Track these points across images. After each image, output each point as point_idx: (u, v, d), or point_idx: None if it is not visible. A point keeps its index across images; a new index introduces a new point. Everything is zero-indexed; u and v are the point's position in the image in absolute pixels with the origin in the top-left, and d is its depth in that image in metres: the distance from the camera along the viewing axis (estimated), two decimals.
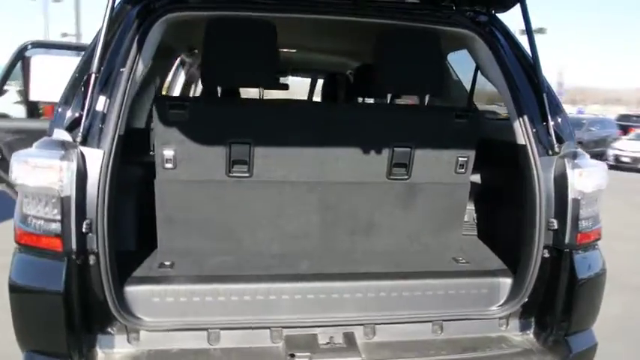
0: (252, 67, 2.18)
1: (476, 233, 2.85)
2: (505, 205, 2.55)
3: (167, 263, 2.26)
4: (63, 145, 1.84)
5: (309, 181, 2.40)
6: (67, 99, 1.98)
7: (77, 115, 1.93)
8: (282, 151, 2.34)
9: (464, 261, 2.46)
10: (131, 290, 2.03)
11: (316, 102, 2.44)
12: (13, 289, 1.87)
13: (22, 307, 1.89)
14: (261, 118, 2.32)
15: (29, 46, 3.69)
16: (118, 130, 1.92)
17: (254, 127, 2.30)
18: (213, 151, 2.29)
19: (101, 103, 1.93)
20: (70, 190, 1.80)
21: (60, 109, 1.97)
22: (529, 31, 2.22)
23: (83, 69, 2.03)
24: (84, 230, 1.83)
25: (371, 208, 2.49)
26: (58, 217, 1.81)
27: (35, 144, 1.93)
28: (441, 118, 2.44)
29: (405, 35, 2.32)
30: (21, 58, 3.64)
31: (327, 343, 2.06)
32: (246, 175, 2.34)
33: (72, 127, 1.92)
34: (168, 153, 2.26)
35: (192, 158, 2.28)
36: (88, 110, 1.89)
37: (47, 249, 1.83)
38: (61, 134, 1.91)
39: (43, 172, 1.80)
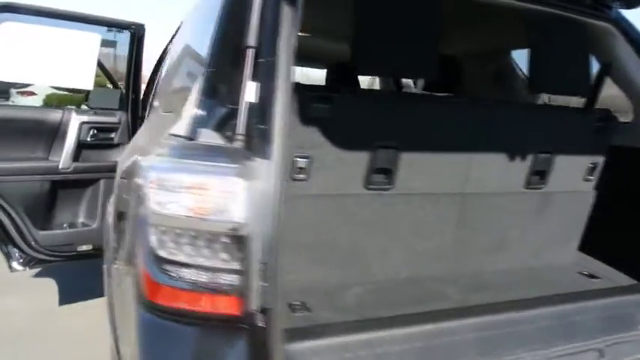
0: (418, 53, 1.73)
1: None
2: (630, 214, 2.38)
3: (296, 303, 1.73)
4: (229, 154, 1.25)
5: (451, 193, 2.01)
6: (213, 86, 1.37)
7: (228, 109, 1.34)
8: (427, 157, 1.92)
9: (590, 275, 2.26)
10: (288, 351, 1.48)
11: (469, 98, 2.05)
12: None
13: None
14: (408, 116, 1.87)
15: None
16: (287, 132, 1.36)
17: (400, 127, 1.85)
18: (353, 158, 1.79)
19: (257, 90, 1.34)
20: (252, 224, 1.22)
21: (203, 102, 1.35)
22: None
23: (226, 44, 1.42)
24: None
25: (504, 222, 2.17)
26: (235, 266, 1.21)
27: (169, 150, 1.30)
28: (580, 120, 2.20)
29: (562, 27, 2.02)
30: None
31: None
32: (387, 187, 1.88)
33: (220, 127, 1.33)
34: (302, 160, 1.72)
35: (328, 167, 1.76)
36: (247, 103, 1.31)
37: (213, 313, 1.23)
38: (213, 137, 1.30)
39: (207, 196, 1.19)
